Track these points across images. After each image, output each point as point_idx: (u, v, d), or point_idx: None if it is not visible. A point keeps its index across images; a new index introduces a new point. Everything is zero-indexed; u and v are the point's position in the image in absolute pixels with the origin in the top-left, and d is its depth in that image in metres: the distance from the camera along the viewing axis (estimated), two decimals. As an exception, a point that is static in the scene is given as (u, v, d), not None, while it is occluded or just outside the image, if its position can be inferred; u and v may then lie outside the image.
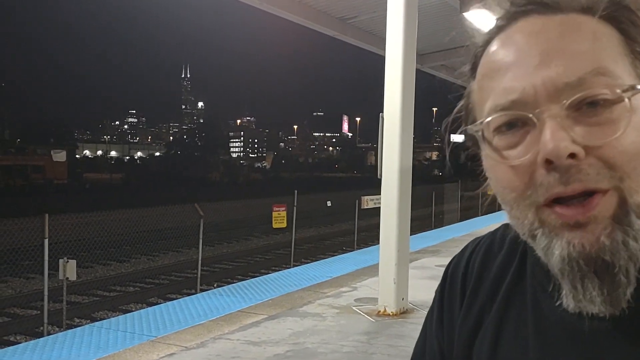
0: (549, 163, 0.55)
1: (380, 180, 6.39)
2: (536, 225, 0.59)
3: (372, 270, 8.34)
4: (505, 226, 0.75)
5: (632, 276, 0.56)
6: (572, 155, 0.55)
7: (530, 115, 0.57)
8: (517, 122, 0.58)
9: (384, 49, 6.67)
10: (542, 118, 0.56)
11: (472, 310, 0.74)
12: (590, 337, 0.61)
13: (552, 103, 0.56)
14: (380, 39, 12.89)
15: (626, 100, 0.55)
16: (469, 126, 0.64)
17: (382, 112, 6.28)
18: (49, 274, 9.05)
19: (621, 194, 0.55)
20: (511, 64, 0.59)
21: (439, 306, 0.80)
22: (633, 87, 0.56)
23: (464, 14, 9.14)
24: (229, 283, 13.69)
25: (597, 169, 0.55)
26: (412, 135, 6.40)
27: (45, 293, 8.93)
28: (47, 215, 8.74)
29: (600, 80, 0.56)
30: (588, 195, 0.55)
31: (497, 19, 0.66)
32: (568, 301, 0.59)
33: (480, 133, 0.62)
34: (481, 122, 0.61)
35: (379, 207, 6.58)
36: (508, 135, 0.59)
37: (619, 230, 0.55)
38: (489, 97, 0.61)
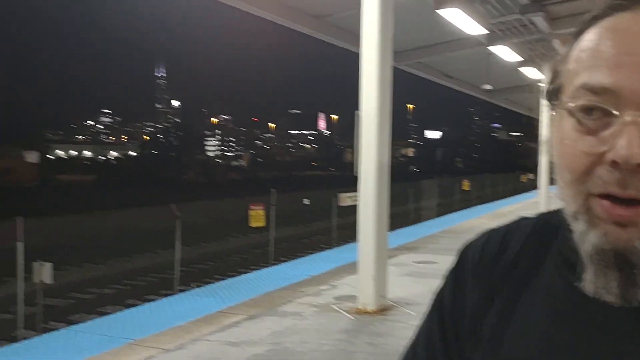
0: (615, 164, 0.59)
1: (357, 177, 6.42)
2: (581, 210, 0.63)
3: (352, 268, 8.32)
4: (523, 218, 0.80)
5: None
6: (639, 165, 0.58)
7: (616, 113, 0.60)
8: (600, 110, 0.61)
9: (356, 44, 6.65)
10: (626, 121, 0.59)
11: (484, 288, 0.76)
12: (599, 320, 0.66)
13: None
14: (356, 37, 12.93)
15: None
16: (564, 98, 0.66)
17: (358, 110, 6.30)
18: (24, 277, 8.90)
19: None
20: (619, 54, 0.61)
21: (452, 285, 0.81)
22: None
23: (437, 11, 9.21)
24: (207, 283, 13.61)
25: None
26: (389, 133, 6.43)
27: (20, 297, 8.79)
28: (21, 219, 8.61)
29: None
30: (636, 202, 0.60)
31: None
32: (588, 286, 0.65)
33: (570, 106, 0.64)
34: (572, 99, 0.63)
35: (357, 205, 6.61)
36: (588, 120, 0.62)
37: None
38: (584, 72, 0.63)
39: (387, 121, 6.35)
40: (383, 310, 6.27)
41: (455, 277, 0.81)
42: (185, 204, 23.59)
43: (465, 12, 9.12)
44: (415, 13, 11.29)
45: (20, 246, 8.75)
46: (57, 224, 20.81)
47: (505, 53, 12.44)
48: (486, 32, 10.63)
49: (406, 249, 10.58)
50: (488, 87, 16.18)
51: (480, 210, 19.65)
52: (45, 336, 5.79)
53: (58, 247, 17.17)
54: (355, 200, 14.94)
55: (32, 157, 49.54)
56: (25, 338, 8.98)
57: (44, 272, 8.69)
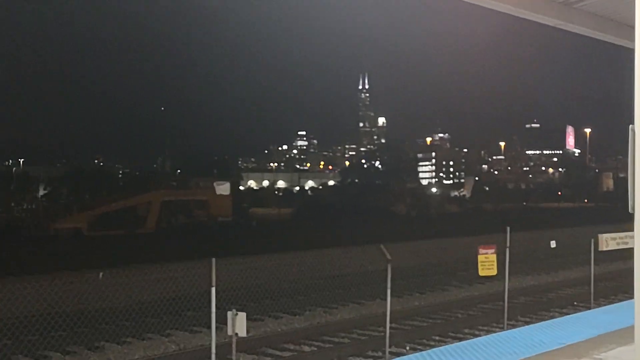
0: None
1: (630, 214, 5.95)
2: None
3: (621, 335, 7.78)
4: None
5: None
6: None
7: None
8: None
9: (623, 36, 6.16)
10: None
11: None
12: None
13: None
14: (619, 25, 12.20)
15: None
16: None
17: (632, 123, 5.86)
18: (215, 327, 9.63)
19: None
20: None
21: None
22: None
23: None
24: (424, 345, 13.63)
25: None
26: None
27: (213, 351, 9.53)
28: (214, 260, 9.37)
29: None
30: None
31: None
32: None
33: None
34: None
35: (623, 249, 6.13)
36: None
37: None
38: None
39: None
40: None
41: None
42: (395, 243, 24.05)
43: None
44: None
45: (213, 292, 9.49)
46: (249, 266, 22.51)
47: None
48: None
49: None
50: None
51: None
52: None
53: (252, 293, 18.54)
54: (621, 243, 13.87)
55: (223, 188, 54.01)
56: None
57: (238, 323, 9.36)
